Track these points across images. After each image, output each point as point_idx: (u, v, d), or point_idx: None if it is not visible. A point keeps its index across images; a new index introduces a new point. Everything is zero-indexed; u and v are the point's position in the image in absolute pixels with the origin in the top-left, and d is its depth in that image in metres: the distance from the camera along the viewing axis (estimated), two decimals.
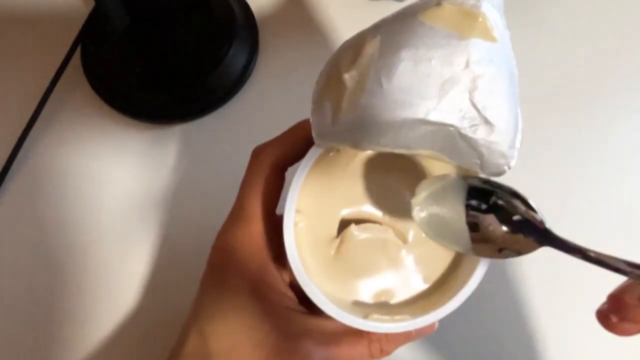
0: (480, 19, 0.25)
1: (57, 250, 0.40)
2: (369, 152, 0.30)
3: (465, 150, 0.26)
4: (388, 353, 0.31)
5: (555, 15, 0.47)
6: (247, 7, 0.47)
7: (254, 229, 0.30)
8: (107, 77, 0.44)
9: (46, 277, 0.39)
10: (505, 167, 0.26)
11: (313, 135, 0.27)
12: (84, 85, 0.45)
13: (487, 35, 0.25)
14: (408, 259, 0.30)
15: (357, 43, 0.27)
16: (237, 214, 0.31)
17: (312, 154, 0.28)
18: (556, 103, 0.44)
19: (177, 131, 0.44)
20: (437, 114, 0.25)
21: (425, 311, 0.28)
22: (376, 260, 0.30)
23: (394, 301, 0.30)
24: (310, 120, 0.27)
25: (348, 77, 0.26)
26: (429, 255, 0.30)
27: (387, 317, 0.28)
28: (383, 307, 0.30)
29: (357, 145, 0.26)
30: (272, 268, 0.30)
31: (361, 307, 0.29)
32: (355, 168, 0.30)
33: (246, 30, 0.45)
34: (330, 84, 0.26)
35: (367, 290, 0.30)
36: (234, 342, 0.29)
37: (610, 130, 0.43)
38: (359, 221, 0.30)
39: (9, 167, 0.42)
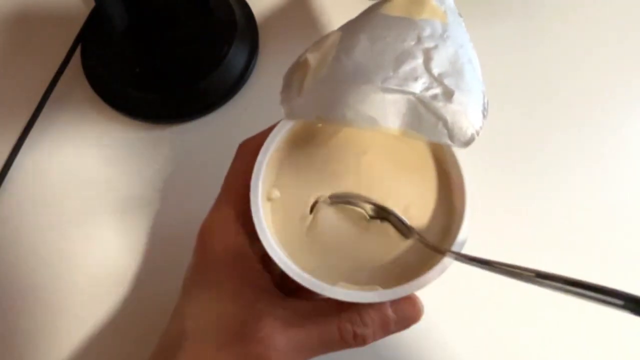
0: (427, 2, 0.29)
1: (57, 248, 0.40)
2: (347, 135, 0.31)
3: (430, 120, 0.27)
4: (364, 339, 0.28)
5: (553, 23, 0.47)
6: (247, 8, 0.47)
7: (233, 211, 0.30)
8: (107, 77, 0.44)
9: (45, 274, 0.39)
10: (472, 132, 0.27)
11: (283, 111, 0.29)
12: (84, 85, 0.45)
13: (436, 14, 0.29)
14: (380, 234, 0.30)
15: (323, 37, 0.30)
16: (219, 199, 0.32)
17: (281, 127, 0.29)
18: (557, 106, 0.44)
19: (176, 131, 0.44)
20: (394, 82, 0.27)
21: (397, 284, 0.27)
22: (348, 237, 0.30)
23: (364, 274, 0.29)
24: (280, 98, 0.29)
25: (311, 57, 0.29)
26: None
27: (355, 286, 0.27)
28: (353, 278, 0.29)
29: (323, 117, 0.28)
30: (247, 249, 0.30)
31: (331, 278, 0.28)
32: (333, 150, 0.31)
33: (246, 31, 0.45)
34: (297, 66, 0.29)
35: (337, 264, 0.30)
36: (206, 321, 0.29)
37: (610, 131, 0.43)
38: (333, 198, 0.31)
39: (9, 167, 0.42)
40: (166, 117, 0.44)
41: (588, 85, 0.44)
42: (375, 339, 0.29)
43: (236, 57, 0.44)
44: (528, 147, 0.42)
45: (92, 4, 0.46)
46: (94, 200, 0.42)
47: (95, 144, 0.43)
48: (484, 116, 0.27)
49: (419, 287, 0.27)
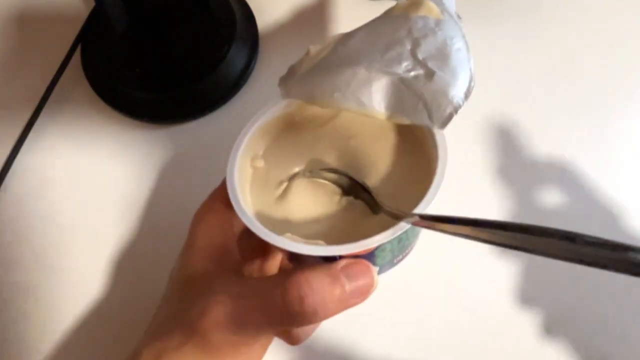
0: (424, 3, 0.30)
1: (56, 248, 0.40)
2: (339, 122, 0.32)
3: (411, 100, 0.28)
4: (314, 309, 0.25)
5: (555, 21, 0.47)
6: (247, 7, 0.47)
7: (223, 199, 0.31)
8: (107, 77, 0.44)
9: (45, 273, 0.40)
10: (450, 110, 0.27)
11: (280, 91, 0.31)
12: (84, 85, 0.45)
13: (432, 13, 0.30)
14: (349, 209, 0.31)
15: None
16: (215, 189, 0.33)
17: (272, 104, 0.31)
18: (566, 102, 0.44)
19: (177, 131, 0.44)
20: (381, 64, 0.28)
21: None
22: (316, 208, 0.31)
23: (319, 238, 0.29)
24: (278, 83, 0.31)
25: (312, 48, 0.31)
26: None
27: (301, 240, 0.27)
28: (306, 238, 0.28)
29: (313, 96, 0.29)
30: (227, 233, 0.31)
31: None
32: (323, 134, 0.33)
33: (246, 30, 0.45)
34: (299, 59, 0.32)
35: (299, 231, 0.29)
36: (172, 293, 0.31)
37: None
38: (311, 169, 0.32)
39: (9, 167, 0.42)
40: (166, 117, 0.44)
41: (589, 84, 0.44)
42: (328, 309, 0.26)
43: (236, 57, 0.44)
44: (528, 146, 0.42)
45: (92, 4, 0.47)
46: (94, 199, 0.42)
47: (95, 144, 0.43)
48: (466, 97, 0.27)
49: (367, 246, 0.26)
